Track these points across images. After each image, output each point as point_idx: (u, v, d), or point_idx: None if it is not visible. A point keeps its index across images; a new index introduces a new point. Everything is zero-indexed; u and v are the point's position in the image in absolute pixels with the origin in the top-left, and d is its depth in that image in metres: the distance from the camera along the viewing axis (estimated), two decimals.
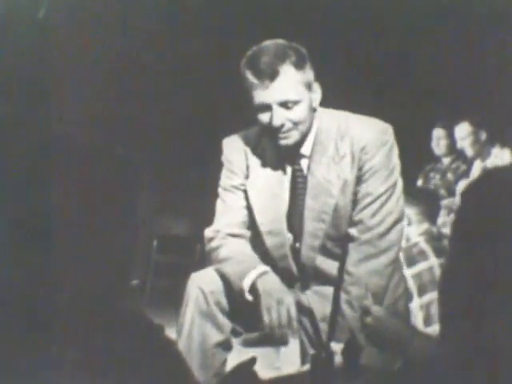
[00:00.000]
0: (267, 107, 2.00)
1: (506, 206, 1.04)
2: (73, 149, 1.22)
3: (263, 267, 2.05)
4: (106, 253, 1.19)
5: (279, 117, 1.99)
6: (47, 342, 1.11)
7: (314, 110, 2.08)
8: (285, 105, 1.99)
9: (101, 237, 1.18)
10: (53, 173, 1.16)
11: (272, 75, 1.96)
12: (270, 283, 2.01)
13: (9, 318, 1.14)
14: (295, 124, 2.02)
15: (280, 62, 1.97)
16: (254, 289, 2.01)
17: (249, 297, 2.02)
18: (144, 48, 4.82)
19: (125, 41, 4.60)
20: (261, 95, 1.99)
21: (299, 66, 2.00)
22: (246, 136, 2.21)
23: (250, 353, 1.72)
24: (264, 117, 2.02)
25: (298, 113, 2.01)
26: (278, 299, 1.96)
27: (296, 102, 2.00)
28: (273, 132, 2.03)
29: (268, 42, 2.04)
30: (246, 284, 2.02)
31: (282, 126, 2.00)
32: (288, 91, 1.98)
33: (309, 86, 2.03)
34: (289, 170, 2.14)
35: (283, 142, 2.04)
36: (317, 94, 2.07)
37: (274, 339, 1.97)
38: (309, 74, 2.03)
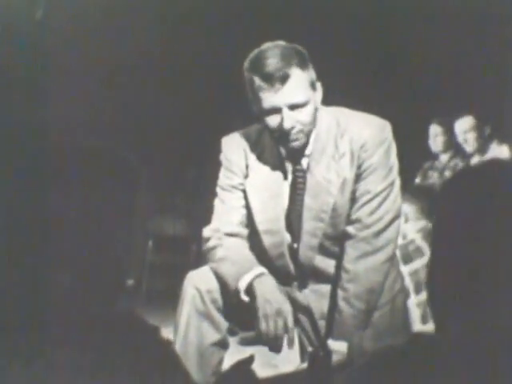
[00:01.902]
0: (276, 110, 1.98)
1: (479, 203, 1.08)
2: (70, 149, 1.22)
3: (260, 269, 2.04)
4: (103, 254, 1.19)
5: (289, 119, 1.98)
6: (43, 342, 1.10)
7: (316, 110, 2.07)
8: (294, 107, 1.98)
9: (98, 238, 1.18)
10: (51, 173, 1.16)
11: (283, 79, 1.95)
12: (268, 288, 2.00)
13: (6, 318, 1.13)
14: (303, 125, 2.01)
15: (288, 65, 1.96)
16: (250, 290, 2.00)
17: (245, 297, 2.01)
18: (142, 47, 4.82)
19: (123, 41, 4.60)
20: (270, 99, 1.97)
21: (304, 66, 1.99)
22: (245, 134, 2.19)
23: (247, 351, 1.72)
24: (273, 120, 2.00)
25: (307, 114, 2.00)
26: (276, 309, 1.95)
27: (305, 104, 1.99)
28: (282, 136, 2.02)
29: (269, 45, 2.02)
30: (242, 285, 2.01)
31: (292, 128, 1.99)
32: (298, 93, 1.97)
33: (313, 86, 2.02)
34: (289, 168, 2.13)
35: (293, 145, 2.03)
36: (319, 92, 2.06)
37: (267, 347, 1.97)
38: (312, 73, 2.03)
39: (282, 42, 2.03)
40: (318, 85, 2.05)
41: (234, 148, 2.18)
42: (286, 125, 1.98)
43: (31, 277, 1.14)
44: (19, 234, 1.16)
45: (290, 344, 1.97)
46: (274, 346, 1.96)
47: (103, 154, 1.23)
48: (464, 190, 1.12)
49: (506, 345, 1.04)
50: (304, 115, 2.00)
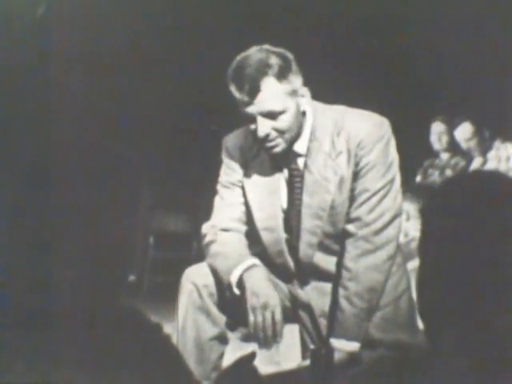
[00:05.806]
0: (252, 119, 1.99)
1: (466, 211, 1.10)
2: (73, 146, 1.22)
3: (250, 260, 2.05)
4: (105, 251, 1.19)
5: (263, 127, 1.99)
6: (47, 338, 1.10)
7: (303, 113, 2.06)
8: (269, 116, 1.98)
9: (101, 234, 1.18)
10: (54, 170, 1.16)
11: (254, 91, 1.96)
12: (256, 280, 2.00)
13: (10, 314, 1.14)
14: (281, 133, 2.01)
15: (261, 77, 1.96)
16: (241, 283, 2.01)
17: (237, 291, 2.02)
18: (144, 45, 4.82)
19: (125, 38, 4.60)
20: (245, 108, 1.98)
21: (282, 76, 1.97)
22: (244, 133, 2.20)
23: (248, 347, 1.73)
24: (252, 126, 2.02)
25: (284, 122, 2.00)
26: (263, 302, 1.97)
27: (281, 112, 1.99)
28: (261, 142, 2.02)
29: (252, 51, 2.02)
30: (234, 278, 2.02)
31: (267, 135, 2.00)
32: (271, 103, 1.97)
33: (294, 94, 2.01)
34: (285, 168, 2.14)
35: (272, 151, 2.04)
36: (305, 97, 2.04)
37: (257, 340, 1.97)
38: (294, 81, 2.00)
39: (266, 47, 2.02)
40: (304, 90, 2.04)
41: (234, 146, 2.19)
42: (260, 133, 1.99)
43: (35, 273, 1.15)
44: (23, 231, 1.17)
45: (279, 337, 1.98)
46: (263, 339, 1.96)
47: (106, 151, 1.24)
48: (449, 201, 1.13)
49: (496, 349, 1.05)
50: (280, 122, 1.99)
